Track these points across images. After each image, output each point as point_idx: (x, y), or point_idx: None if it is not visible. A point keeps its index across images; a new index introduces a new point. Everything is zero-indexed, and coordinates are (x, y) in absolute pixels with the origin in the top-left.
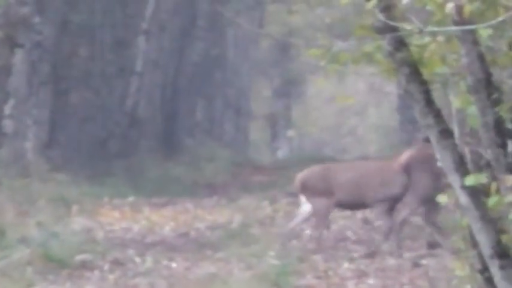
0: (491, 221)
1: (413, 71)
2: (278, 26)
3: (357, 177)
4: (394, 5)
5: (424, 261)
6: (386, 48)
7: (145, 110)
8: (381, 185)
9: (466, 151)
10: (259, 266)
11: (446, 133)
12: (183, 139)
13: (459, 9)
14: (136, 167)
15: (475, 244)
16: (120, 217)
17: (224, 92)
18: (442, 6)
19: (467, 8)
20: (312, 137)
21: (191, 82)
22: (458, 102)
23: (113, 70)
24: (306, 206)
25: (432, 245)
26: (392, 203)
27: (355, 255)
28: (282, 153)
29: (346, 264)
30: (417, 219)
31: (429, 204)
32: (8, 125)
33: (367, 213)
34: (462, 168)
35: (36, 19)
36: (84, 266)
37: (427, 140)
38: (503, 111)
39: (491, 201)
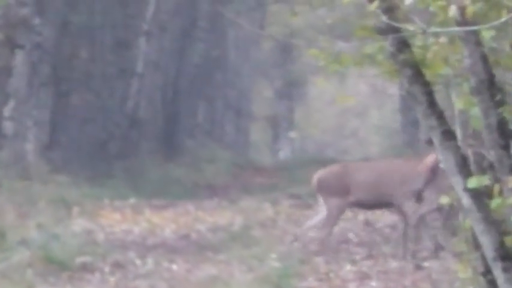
0: (494, 223)
1: (415, 73)
2: (279, 27)
3: (376, 176)
4: (396, 6)
5: (426, 264)
6: (389, 49)
7: (146, 111)
8: (402, 183)
9: (469, 153)
10: (261, 268)
11: (449, 134)
12: (184, 140)
13: (462, 10)
14: (137, 169)
15: (477, 246)
16: (121, 219)
17: (225, 93)
18: (444, 7)
19: (470, 9)
20: (313, 138)
21: (192, 83)
22: (461, 104)
23: (114, 71)
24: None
25: (437, 247)
26: (416, 200)
27: (357, 257)
28: (283, 154)
29: (348, 267)
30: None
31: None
32: (8, 126)
33: (369, 215)
34: (465, 170)
35: (36, 20)
36: (85, 268)
37: (429, 142)
38: (506, 112)
39: (494, 203)
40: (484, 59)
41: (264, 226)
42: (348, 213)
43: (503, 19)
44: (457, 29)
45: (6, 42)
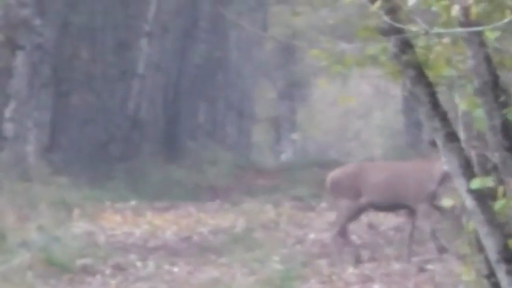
0: (498, 225)
1: (418, 73)
2: (281, 28)
3: (391, 177)
4: (399, 6)
5: (430, 266)
6: (392, 50)
7: (147, 112)
8: (416, 184)
9: (473, 154)
10: (263, 270)
11: (452, 136)
12: (185, 142)
13: (465, 10)
14: (138, 170)
15: (481, 249)
16: (122, 221)
17: (227, 94)
18: (448, 8)
19: (474, 10)
20: (316, 140)
21: (193, 84)
22: (465, 105)
23: (115, 72)
24: None
25: (440, 250)
26: (431, 202)
27: (360, 259)
28: (285, 156)
29: (350, 269)
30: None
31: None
32: (9, 127)
33: (372, 217)
34: (468, 172)
35: (37, 21)
36: (86, 270)
37: (432, 143)
38: (510, 114)
39: (498, 205)
40: (488, 60)
41: (266, 228)
42: None
43: (507, 19)
44: (460, 29)
45: (7, 43)
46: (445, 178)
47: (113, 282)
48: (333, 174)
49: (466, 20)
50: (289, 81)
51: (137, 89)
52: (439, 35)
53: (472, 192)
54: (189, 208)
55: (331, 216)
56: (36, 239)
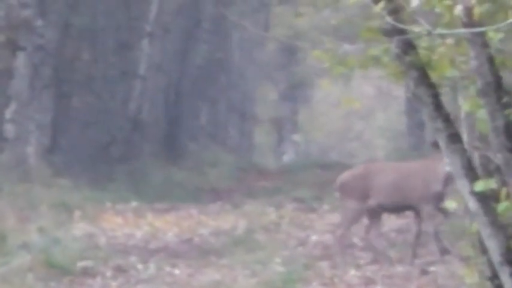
0: (501, 227)
1: (421, 74)
2: (284, 29)
3: (399, 179)
4: (402, 7)
5: (432, 268)
6: (394, 51)
7: (149, 113)
8: (423, 185)
9: (476, 156)
10: (265, 273)
11: (455, 137)
12: (187, 143)
13: (468, 11)
14: (139, 172)
15: (484, 251)
16: (123, 223)
17: (229, 95)
18: (451, 9)
19: (477, 10)
20: (318, 141)
21: (195, 85)
22: (468, 106)
23: (116, 73)
24: None
25: (443, 252)
26: (436, 204)
27: (362, 262)
28: (287, 157)
29: (352, 271)
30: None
31: None
32: (10, 129)
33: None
34: (471, 173)
35: (38, 22)
36: (86, 272)
37: (435, 144)
38: None
39: (501, 206)
40: (491, 60)
41: (267, 230)
42: None
43: (510, 20)
44: (463, 30)
45: (8, 44)
46: (450, 179)
47: (113, 284)
48: (342, 176)
49: (469, 21)
50: (291, 82)
51: (138, 90)
52: (442, 36)
53: (475, 194)
54: (190, 210)
55: (333, 218)
56: (37, 241)
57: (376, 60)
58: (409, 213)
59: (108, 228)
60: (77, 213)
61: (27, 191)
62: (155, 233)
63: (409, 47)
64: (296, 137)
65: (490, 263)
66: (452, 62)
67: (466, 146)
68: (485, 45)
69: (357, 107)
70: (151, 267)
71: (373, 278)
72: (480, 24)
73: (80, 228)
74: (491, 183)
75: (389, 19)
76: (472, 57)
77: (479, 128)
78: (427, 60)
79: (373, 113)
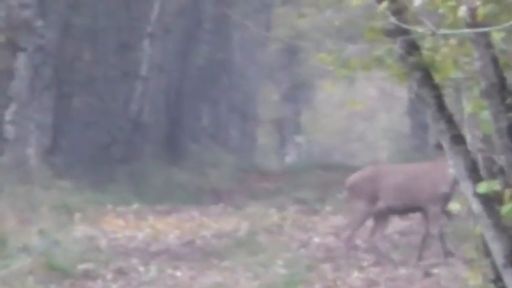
0: (505, 229)
1: (425, 75)
2: (286, 29)
3: (407, 180)
4: (405, 7)
5: (435, 271)
6: (398, 51)
7: (150, 114)
8: (431, 186)
9: (479, 157)
10: (267, 275)
11: (458, 139)
12: (188, 144)
13: (472, 12)
14: (141, 173)
15: (488, 253)
16: (124, 225)
17: (230, 96)
18: (454, 9)
19: (481, 11)
20: (320, 142)
21: (196, 86)
22: (471, 107)
23: (117, 74)
24: None
25: (446, 254)
26: (443, 205)
27: (365, 264)
28: (289, 159)
29: (355, 273)
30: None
31: None
32: (10, 130)
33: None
34: (475, 175)
35: (39, 22)
36: (87, 275)
37: (438, 146)
38: None
39: (505, 209)
40: (495, 61)
41: (269, 232)
42: None
43: None
44: (467, 30)
45: (8, 45)
46: (457, 180)
47: (114, 287)
48: (351, 177)
49: (473, 21)
50: (293, 83)
51: (140, 91)
52: (446, 37)
53: (478, 195)
54: (191, 212)
55: (336, 219)
56: (37, 243)
57: (379, 61)
58: (413, 215)
59: (109, 231)
60: (78, 215)
61: (27, 193)
62: (156, 235)
63: (412, 47)
64: (298, 138)
65: (494, 266)
66: (456, 63)
67: (469, 147)
68: (489, 46)
69: (360, 107)
70: (153, 270)
71: (376, 280)
72: (484, 25)
73: (80, 230)
74: (495, 185)
75: (392, 19)
76: (476, 58)
77: (483, 129)
78: (430, 61)
79: (376, 114)
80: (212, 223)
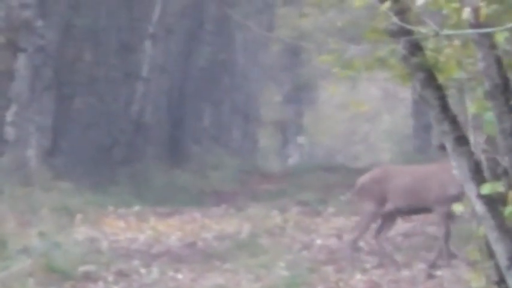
0: (509, 231)
1: (428, 76)
2: (288, 30)
3: (416, 181)
4: (408, 7)
5: (438, 273)
6: (401, 52)
7: (151, 116)
8: (439, 186)
9: (483, 158)
10: (269, 277)
11: (462, 140)
12: (190, 146)
13: (476, 12)
14: (142, 175)
15: (491, 255)
16: (125, 227)
17: (232, 97)
18: (458, 10)
19: (484, 11)
20: (323, 144)
21: (198, 87)
22: (475, 108)
23: (118, 75)
24: None
25: (449, 256)
26: (451, 207)
27: (368, 266)
28: (292, 160)
29: (358, 276)
30: (431, 229)
31: None
32: (10, 131)
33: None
34: (478, 176)
35: (39, 23)
36: (88, 277)
37: (442, 147)
38: None
39: (509, 210)
40: (499, 62)
41: (272, 234)
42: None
43: None
44: (470, 31)
45: (8, 46)
46: None
47: None
48: (361, 179)
49: (476, 22)
50: (296, 84)
51: (141, 92)
52: (449, 37)
53: (482, 197)
54: (193, 213)
55: (339, 221)
56: (37, 245)
57: (382, 62)
58: (416, 217)
59: (110, 232)
60: (79, 217)
61: (27, 195)
62: (158, 237)
63: (415, 48)
64: (301, 140)
65: (497, 267)
66: (460, 64)
67: (473, 148)
68: (492, 46)
69: (364, 110)
70: (154, 272)
71: (379, 283)
72: (487, 26)
73: (81, 232)
74: (499, 187)
75: (395, 20)
76: (480, 59)
77: (487, 130)
78: (434, 61)
79: (379, 116)
80: (214, 225)
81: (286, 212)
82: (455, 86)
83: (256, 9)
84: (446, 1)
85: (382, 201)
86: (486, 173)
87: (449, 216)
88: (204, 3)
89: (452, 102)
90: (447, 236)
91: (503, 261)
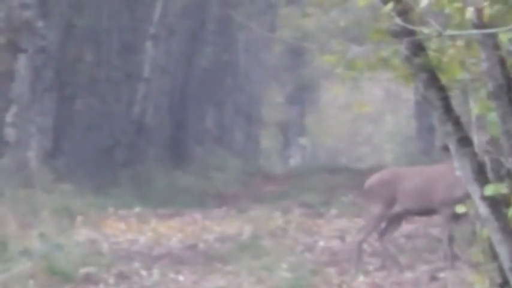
0: None
1: (431, 77)
2: (291, 30)
3: (423, 183)
4: (411, 8)
5: (442, 275)
6: (404, 52)
7: (153, 117)
8: (445, 187)
9: (486, 160)
10: (271, 279)
11: (465, 141)
12: (192, 147)
13: (479, 12)
14: (143, 177)
15: (495, 256)
16: (126, 228)
17: (235, 98)
18: (461, 10)
19: (488, 11)
20: (325, 145)
21: (200, 88)
22: (478, 109)
23: (120, 76)
24: None
25: (453, 258)
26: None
27: (371, 268)
28: (294, 162)
29: (361, 278)
30: (434, 231)
31: None
32: (11, 133)
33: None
34: (482, 178)
35: (40, 23)
36: (89, 279)
37: (445, 148)
38: None
39: None
40: (502, 62)
41: (274, 236)
42: (361, 223)
43: None
44: (474, 31)
45: (9, 46)
46: None
47: None
48: (369, 180)
49: (480, 22)
50: (298, 84)
51: (143, 93)
52: (452, 38)
53: (485, 198)
54: (194, 215)
55: (341, 223)
56: (38, 247)
57: (385, 63)
58: (418, 219)
59: (111, 234)
60: (80, 219)
61: (28, 196)
62: (159, 239)
63: (418, 48)
64: (303, 141)
65: (501, 269)
66: (463, 64)
67: (476, 149)
68: (496, 47)
69: (367, 110)
70: (155, 274)
71: (381, 285)
72: (491, 26)
73: (82, 234)
74: (502, 188)
75: (398, 20)
76: (483, 59)
77: (490, 131)
78: (437, 62)
79: (382, 117)
80: (215, 227)
81: (289, 213)
82: (459, 87)
83: (259, 10)
84: (449, 1)
85: (390, 203)
86: (490, 174)
87: (454, 218)
88: (206, 4)
89: (455, 103)
90: (451, 237)
91: (506, 263)
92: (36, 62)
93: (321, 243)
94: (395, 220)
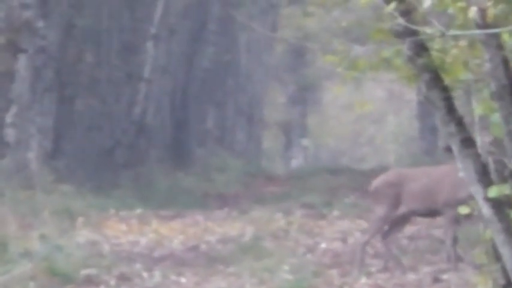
0: None
1: (434, 77)
2: (293, 30)
3: (428, 184)
4: (414, 8)
5: (445, 276)
6: (406, 53)
7: (154, 118)
8: (450, 188)
9: (489, 161)
10: (272, 281)
11: (468, 142)
12: (193, 148)
13: (482, 12)
14: (144, 178)
15: (498, 258)
16: (127, 230)
17: (236, 99)
18: (464, 10)
19: (491, 11)
20: (327, 146)
21: (202, 89)
22: (481, 110)
23: (120, 76)
24: None
25: (456, 259)
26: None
27: (373, 269)
28: (296, 163)
29: (363, 279)
30: (437, 232)
31: None
32: (11, 133)
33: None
34: (485, 179)
35: (40, 23)
36: (90, 280)
37: (448, 149)
38: None
39: None
40: (505, 63)
41: (275, 237)
42: (363, 224)
43: None
44: (477, 31)
45: (9, 46)
46: None
47: None
48: (375, 182)
49: (483, 22)
50: (300, 85)
51: (143, 94)
52: (456, 38)
53: (488, 200)
54: (196, 216)
55: (343, 224)
56: (39, 249)
57: (387, 63)
58: (421, 220)
59: (112, 236)
60: (80, 220)
61: (29, 197)
62: (160, 240)
63: (421, 49)
64: (305, 141)
65: (504, 270)
66: (466, 65)
67: (479, 150)
68: (499, 47)
69: (368, 110)
70: (157, 276)
71: (384, 286)
72: (494, 26)
73: (83, 235)
74: (506, 189)
75: (401, 20)
76: (486, 60)
77: (493, 132)
78: (439, 62)
79: (385, 117)
80: (217, 228)
81: (291, 214)
82: (462, 87)
83: (261, 10)
84: (452, 1)
85: (395, 204)
86: (493, 175)
87: (457, 219)
88: (207, 3)
89: (458, 103)
90: (454, 239)
91: (510, 265)
92: (36, 62)
93: (323, 245)
94: (399, 222)
